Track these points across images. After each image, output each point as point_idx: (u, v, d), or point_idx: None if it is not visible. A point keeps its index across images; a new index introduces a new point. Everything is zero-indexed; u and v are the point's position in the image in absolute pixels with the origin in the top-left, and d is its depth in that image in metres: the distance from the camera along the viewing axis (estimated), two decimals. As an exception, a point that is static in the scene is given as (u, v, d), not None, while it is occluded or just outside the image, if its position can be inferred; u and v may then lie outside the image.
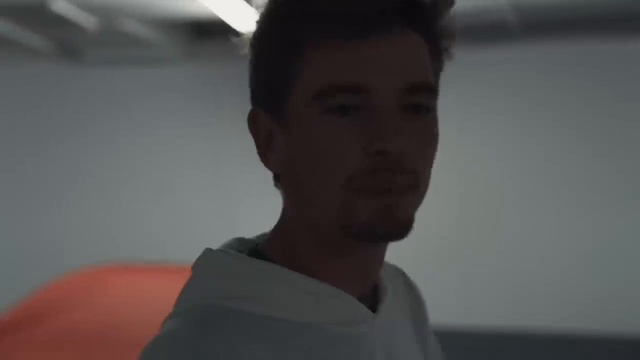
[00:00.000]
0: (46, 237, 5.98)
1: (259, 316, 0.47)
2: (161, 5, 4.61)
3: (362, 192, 0.44)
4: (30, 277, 5.78)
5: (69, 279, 3.94)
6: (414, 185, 0.45)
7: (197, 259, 0.53)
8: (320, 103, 0.45)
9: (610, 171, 4.92)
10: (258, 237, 0.57)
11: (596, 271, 5.07)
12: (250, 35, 0.54)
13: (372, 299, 0.52)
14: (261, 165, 3.33)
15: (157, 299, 3.77)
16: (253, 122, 0.52)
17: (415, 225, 0.47)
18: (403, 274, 0.62)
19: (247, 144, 5.89)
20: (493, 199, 5.12)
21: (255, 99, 0.53)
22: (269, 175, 3.32)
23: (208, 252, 0.53)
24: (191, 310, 0.48)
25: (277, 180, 0.52)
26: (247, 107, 2.61)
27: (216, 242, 6.04)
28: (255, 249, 0.52)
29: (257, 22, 0.53)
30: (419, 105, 0.45)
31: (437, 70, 0.49)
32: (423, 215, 1.94)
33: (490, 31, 4.94)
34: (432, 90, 0.46)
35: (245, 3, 4.45)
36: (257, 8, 0.54)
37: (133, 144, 6.05)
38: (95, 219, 5.96)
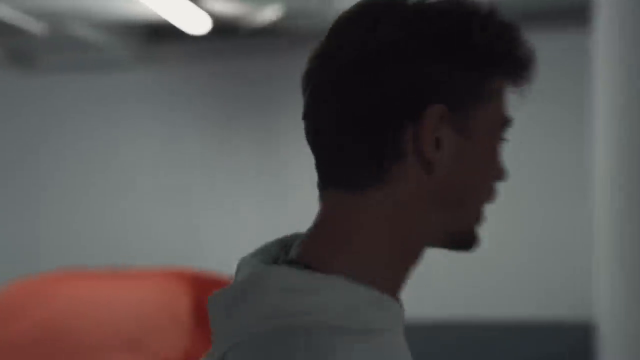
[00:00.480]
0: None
1: (349, 327, 0.48)
2: (111, 9, 4.74)
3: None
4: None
5: (16, 287, 4.02)
6: None
7: (265, 270, 0.49)
8: (500, 131, 0.53)
9: (551, 166, 5.34)
10: (284, 240, 0.57)
11: (542, 261, 5.54)
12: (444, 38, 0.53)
13: None
14: (218, 166, 3.49)
15: (100, 305, 3.93)
16: (433, 117, 0.51)
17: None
18: None
19: (204, 146, 6.29)
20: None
21: (421, 99, 0.52)
22: (228, 176, 3.55)
23: (275, 268, 0.50)
24: (292, 326, 0.47)
25: (378, 180, 0.50)
26: (202, 109, 2.91)
27: (175, 242, 6.27)
28: (303, 259, 0.52)
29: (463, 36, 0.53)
30: None
31: None
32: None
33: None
34: None
35: (195, 7, 4.56)
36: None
37: (90, 149, 6.22)
38: (55, 225, 6.11)
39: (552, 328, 5.71)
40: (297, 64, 6.00)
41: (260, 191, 5.93)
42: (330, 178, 0.50)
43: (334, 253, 0.49)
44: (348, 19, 0.50)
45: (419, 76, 0.49)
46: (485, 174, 0.51)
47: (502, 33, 0.50)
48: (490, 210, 5.43)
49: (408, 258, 0.50)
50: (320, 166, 0.50)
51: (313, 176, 5.88)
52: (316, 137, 0.50)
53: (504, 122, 0.51)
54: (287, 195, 6.00)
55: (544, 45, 5.40)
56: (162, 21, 4.88)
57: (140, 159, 6.15)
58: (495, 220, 5.44)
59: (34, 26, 4.74)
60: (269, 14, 4.81)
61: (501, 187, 5.45)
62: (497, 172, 0.51)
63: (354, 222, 0.50)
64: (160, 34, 5.73)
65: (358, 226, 0.50)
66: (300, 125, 6.20)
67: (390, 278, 0.50)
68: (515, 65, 0.50)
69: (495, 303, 5.71)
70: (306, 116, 0.51)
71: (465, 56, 0.49)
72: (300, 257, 0.49)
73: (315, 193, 6.05)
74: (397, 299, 0.50)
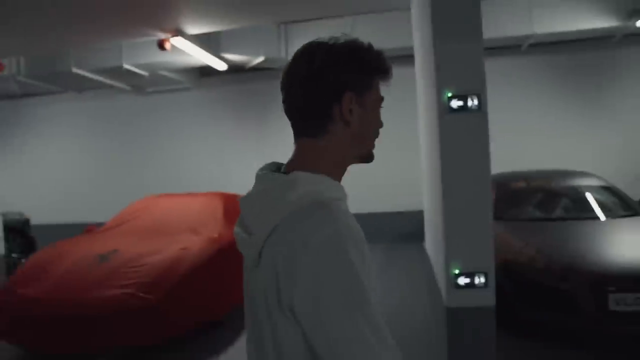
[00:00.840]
0: None
1: (337, 199, 0.94)
2: (178, 60, 8.21)
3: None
4: None
5: (137, 202, 5.52)
6: None
7: (296, 174, 0.94)
8: (379, 103, 1.00)
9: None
10: (271, 164, 1.04)
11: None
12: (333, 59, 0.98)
13: None
14: (237, 144, 8.57)
15: (177, 210, 5.19)
16: (347, 98, 0.94)
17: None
18: None
19: (231, 134, 9.15)
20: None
21: (345, 88, 0.97)
22: (243, 148, 8.64)
23: (298, 174, 0.94)
24: (315, 200, 0.91)
25: (323, 131, 0.96)
26: (228, 114, 9.15)
27: (216, 183, 8.94)
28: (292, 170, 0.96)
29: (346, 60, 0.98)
30: None
31: None
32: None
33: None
34: None
35: (215, 57, 7.75)
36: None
37: (172, 138, 9.34)
38: (154, 176, 9.15)
39: (404, 214, 7.75)
40: (274, 85, 9.24)
41: (260, 153, 9.10)
42: (301, 132, 1.00)
43: (317, 166, 0.95)
44: (301, 52, 0.98)
45: (339, 79, 0.93)
46: (375, 126, 1.00)
47: (377, 54, 0.98)
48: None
49: (342, 167, 0.98)
50: (294, 126, 0.99)
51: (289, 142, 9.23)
52: (291, 112, 0.98)
53: (380, 99, 1.00)
54: (274, 155, 9.18)
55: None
56: (204, 64, 7.61)
57: (195, 139, 9.46)
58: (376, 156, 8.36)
59: (144, 72, 7.71)
60: (257, 60, 8.15)
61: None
62: (379, 125, 1.00)
63: (317, 152, 0.97)
64: (205, 71, 9.15)
65: (319, 154, 0.97)
66: (283, 119, 9.62)
67: (338, 176, 0.97)
68: (385, 70, 0.99)
69: (371, 201, 7.72)
70: (285, 102, 0.99)
71: (362, 67, 0.96)
72: (299, 168, 0.92)
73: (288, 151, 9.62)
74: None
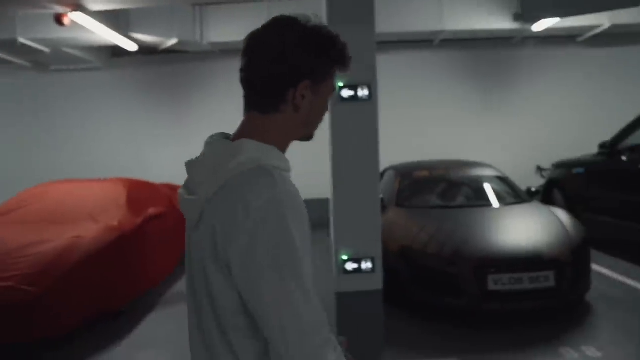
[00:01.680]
0: None
1: (277, 167, 0.99)
2: (86, 39, 7.57)
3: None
4: None
5: (32, 188, 5.30)
6: None
7: (244, 142, 1.00)
8: (332, 93, 1.08)
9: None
10: (220, 134, 1.09)
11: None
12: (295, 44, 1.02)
13: None
14: (152, 125, 8.21)
15: (76, 195, 5.01)
16: (303, 86, 1.01)
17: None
18: None
19: (144, 114, 8.74)
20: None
21: (302, 77, 1.02)
22: (157, 130, 8.19)
23: (245, 140, 1.00)
24: (259, 167, 0.96)
25: (275, 110, 1.02)
26: (140, 94, 8.76)
27: (125, 168, 8.42)
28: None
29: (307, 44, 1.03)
30: None
31: None
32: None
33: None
34: None
35: (124, 37, 7.22)
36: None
37: (80, 119, 8.88)
38: (54, 160, 8.50)
39: (312, 202, 8.70)
40: (189, 68, 8.99)
41: (175, 138, 8.93)
42: (252, 105, 1.04)
43: (265, 138, 1.02)
44: (272, 26, 1.01)
45: (303, 66, 0.99)
46: (322, 112, 1.09)
47: (343, 47, 1.03)
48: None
49: (285, 144, 1.07)
50: (247, 98, 1.03)
51: (206, 128, 9.07)
52: (247, 84, 1.02)
53: (333, 89, 1.09)
54: (190, 140, 9.11)
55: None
56: (113, 43, 7.34)
57: (106, 123, 9.15)
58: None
59: (45, 48, 7.19)
60: (171, 42, 7.81)
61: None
62: (325, 112, 1.10)
63: (264, 127, 1.04)
64: (116, 51, 8.72)
65: (265, 129, 1.04)
66: (199, 105, 9.17)
67: (283, 150, 1.06)
68: (345, 61, 1.05)
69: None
70: (243, 71, 1.04)
71: (327, 58, 1.02)
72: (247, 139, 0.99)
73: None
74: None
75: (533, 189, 5.99)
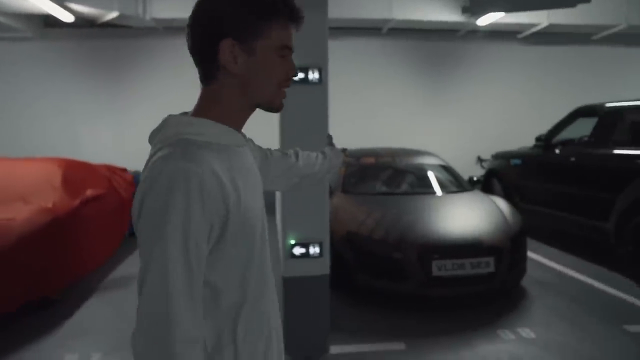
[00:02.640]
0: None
1: (209, 142, 0.94)
2: (16, 5, 6.84)
3: (280, 91, 0.99)
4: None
5: None
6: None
7: (168, 117, 0.98)
8: (278, 52, 0.97)
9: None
10: (183, 113, 1.03)
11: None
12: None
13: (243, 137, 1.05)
14: (90, 100, 7.90)
15: (7, 175, 4.68)
16: (226, 45, 0.92)
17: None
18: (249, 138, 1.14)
19: (81, 88, 8.23)
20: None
21: (223, 34, 0.94)
22: (96, 106, 7.89)
23: (170, 116, 0.98)
24: (176, 141, 0.93)
25: (212, 78, 0.97)
26: (77, 67, 8.30)
27: (61, 147, 7.93)
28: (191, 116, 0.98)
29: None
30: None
31: None
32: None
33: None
34: None
35: (59, 7, 6.65)
36: None
37: (12, 91, 8.35)
38: None
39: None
40: (130, 44, 8.59)
41: (113, 118, 8.60)
42: (200, 79, 1.01)
43: (206, 112, 1.00)
44: (198, 3, 0.98)
45: (216, 25, 0.94)
46: (270, 74, 0.98)
47: None
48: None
49: (239, 115, 1.01)
50: (199, 73, 1.00)
51: (148, 109, 8.16)
52: (192, 56, 1.00)
53: (282, 47, 0.98)
54: (129, 120, 8.51)
55: None
56: (46, 12, 6.94)
57: (36, 97, 8.61)
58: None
59: None
60: (111, 15, 7.48)
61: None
62: (281, 74, 0.99)
63: (209, 100, 1.00)
64: (50, 21, 8.22)
65: (210, 101, 1.00)
66: (139, 83, 8.76)
67: (232, 122, 1.00)
68: (292, 12, 0.97)
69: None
70: (189, 42, 1.00)
71: (249, 11, 0.94)
72: (192, 115, 0.99)
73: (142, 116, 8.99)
74: (240, 132, 1.01)
75: (475, 178, 6.18)
